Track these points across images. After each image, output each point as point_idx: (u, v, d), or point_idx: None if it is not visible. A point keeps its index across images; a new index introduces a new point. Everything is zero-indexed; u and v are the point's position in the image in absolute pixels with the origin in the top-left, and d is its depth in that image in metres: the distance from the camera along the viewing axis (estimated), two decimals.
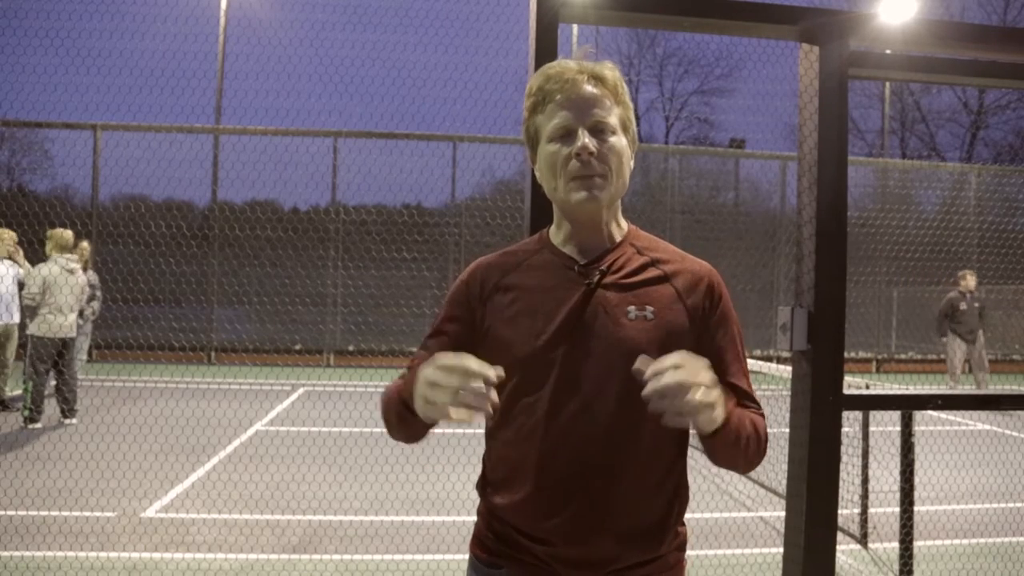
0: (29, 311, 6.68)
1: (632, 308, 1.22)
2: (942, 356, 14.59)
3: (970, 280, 10.02)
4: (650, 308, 1.23)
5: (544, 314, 1.23)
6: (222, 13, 14.08)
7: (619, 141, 1.24)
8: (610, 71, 1.26)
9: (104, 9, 12.73)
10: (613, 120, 1.24)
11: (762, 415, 1.26)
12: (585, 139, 1.21)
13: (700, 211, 14.17)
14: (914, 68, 2.15)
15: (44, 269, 6.69)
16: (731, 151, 16.84)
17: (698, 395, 1.02)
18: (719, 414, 1.09)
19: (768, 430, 1.27)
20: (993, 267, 13.20)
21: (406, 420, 1.19)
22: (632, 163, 1.29)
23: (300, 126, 12.56)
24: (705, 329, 1.26)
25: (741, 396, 1.25)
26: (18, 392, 7.54)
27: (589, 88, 1.24)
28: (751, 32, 2.10)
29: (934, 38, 2.09)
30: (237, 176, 12.06)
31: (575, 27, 13.12)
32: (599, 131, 1.22)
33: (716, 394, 1.06)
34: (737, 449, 1.18)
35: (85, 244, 8.29)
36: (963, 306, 9.97)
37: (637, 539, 1.20)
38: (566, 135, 1.22)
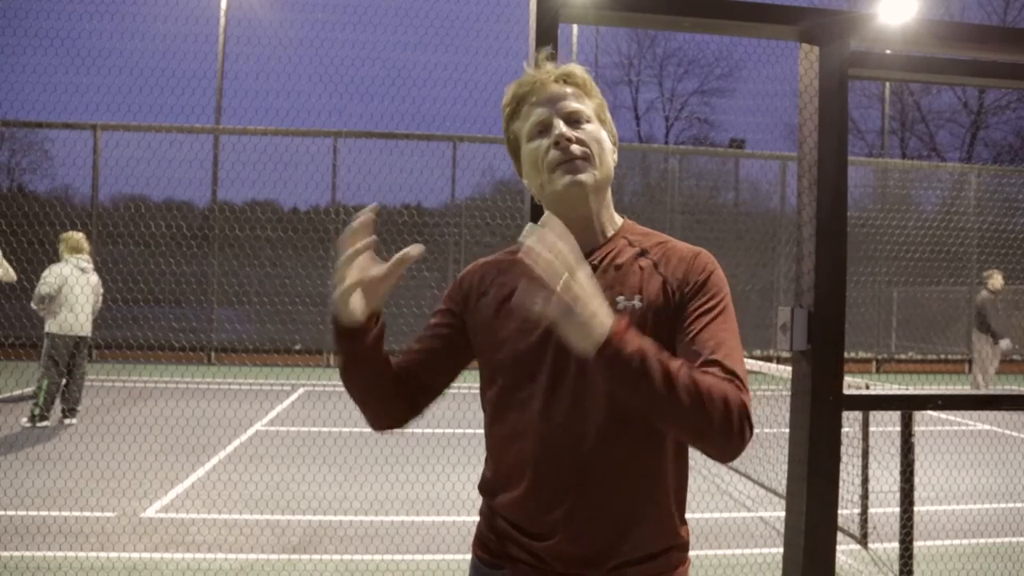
0: (42, 305, 6.72)
1: (621, 298, 1.22)
2: (943, 356, 14.64)
3: (998, 280, 9.88)
4: (638, 297, 1.22)
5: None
6: (222, 13, 14.09)
7: (596, 128, 1.27)
8: (579, 69, 1.29)
9: (104, 9, 12.72)
10: (587, 110, 1.27)
11: (737, 386, 1.09)
12: (561, 127, 1.23)
13: (700, 211, 14.17)
14: (914, 68, 2.15)
15: (58, 269, 6.85)
16: (731, 151, 16.85)
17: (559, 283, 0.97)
18: (596, 321, 1.00)
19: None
20: (993, 267, 13.22)
21: (347, 352, 1.33)
22: (615, 157, 1.30)
23: (300, 126, 12.58)
24: (681, 304, 1.20)
25: (706, 364, 1.11)
26: (28, 390, 7.55)
27: (558, 86, 1.27)
28: (751, 32, 2.10)
29: (934, 38, 2.09)
30: (237, 176, 12.04)
31: (575, 27, 13.13)
32: (574, 120, 1.25)
33: (581, 290, 0.99)
34: (653, 391, 1.02)
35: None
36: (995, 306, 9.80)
37: (635, 533, 1.20)
38: (543, 130, 1.25)
